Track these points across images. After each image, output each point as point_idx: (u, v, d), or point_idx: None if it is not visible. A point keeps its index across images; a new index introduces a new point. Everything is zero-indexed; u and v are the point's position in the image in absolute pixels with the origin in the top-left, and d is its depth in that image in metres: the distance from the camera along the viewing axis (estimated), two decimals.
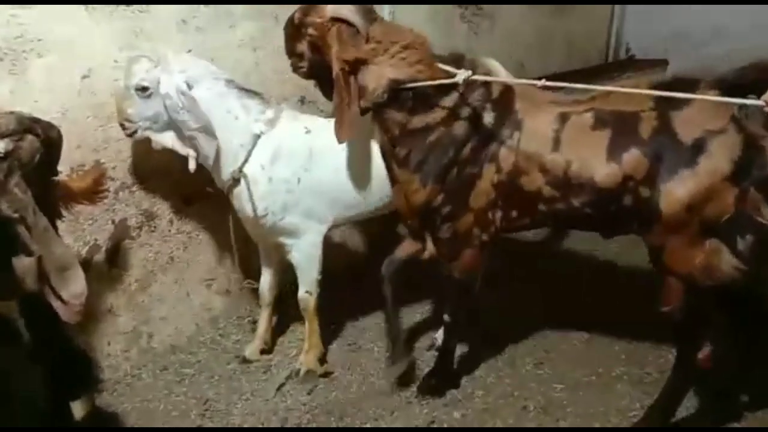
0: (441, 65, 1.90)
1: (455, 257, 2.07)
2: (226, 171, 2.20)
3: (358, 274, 2.85)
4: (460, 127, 1.92)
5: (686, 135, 1.73)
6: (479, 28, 3.51)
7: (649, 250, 1.89)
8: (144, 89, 2.08)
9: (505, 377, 2.40)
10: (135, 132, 2.15)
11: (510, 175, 1.93)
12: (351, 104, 1.88)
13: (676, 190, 1.73)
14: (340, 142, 1.96)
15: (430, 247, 2.13)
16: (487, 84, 1.91)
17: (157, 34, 2.28)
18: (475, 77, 1.82)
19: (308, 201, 2.26)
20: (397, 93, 1.89)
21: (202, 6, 2.39)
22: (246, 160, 2.19)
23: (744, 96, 1.53)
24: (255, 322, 2.67)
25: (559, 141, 1.87)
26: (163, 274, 2.52)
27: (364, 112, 1.93)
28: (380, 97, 1.89)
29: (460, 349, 2.47)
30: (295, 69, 2.09)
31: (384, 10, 2.82)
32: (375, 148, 2.23)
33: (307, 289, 2.37)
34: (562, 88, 1.85)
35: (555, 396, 2.29)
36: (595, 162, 1.83)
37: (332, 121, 1.98)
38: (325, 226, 2.34)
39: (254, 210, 2.22)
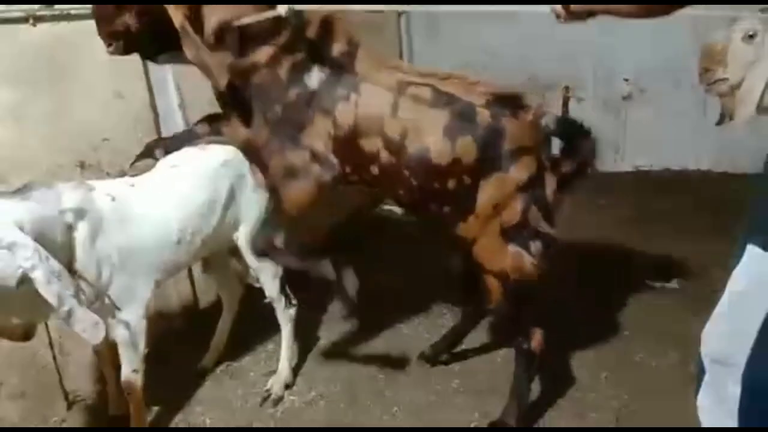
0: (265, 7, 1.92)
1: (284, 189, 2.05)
2: None
3: None
4: (283, 70, 1.98)
5: (508, 142, 1.94)
6: None
7: (461, 243, 2.03)
8: None
9: (347, 408, 2.34)
10: None
11: (349, 134, 1.98)
12: (204, 50, 1.89)
13: (491, 188, 1.94)
14: (221, 90, 1.99)
15: None
16: (326, 41, 1.99)
17: None
18: (297, 6, 1.89)
19: (129, 272, 2.00)
20: (224, 34, 1.94)
21: None
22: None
23: None
24: (64, 421, 2.34)
25: (397, 107, 1.96)
26: None
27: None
28: (209, 40, 1.94)
29: (300, 398, 2.38)
30: (116, 49, 2.02)
31: None
32: (181, 193, 2.14)
33: (134, 368, 2.07)
34: None
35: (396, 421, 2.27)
36: (431, 137, 1.94)
37: (126, 180, 2.10)
38: (150, 294, 2.09)
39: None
